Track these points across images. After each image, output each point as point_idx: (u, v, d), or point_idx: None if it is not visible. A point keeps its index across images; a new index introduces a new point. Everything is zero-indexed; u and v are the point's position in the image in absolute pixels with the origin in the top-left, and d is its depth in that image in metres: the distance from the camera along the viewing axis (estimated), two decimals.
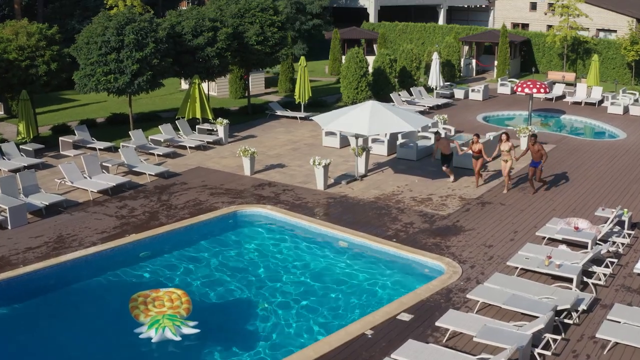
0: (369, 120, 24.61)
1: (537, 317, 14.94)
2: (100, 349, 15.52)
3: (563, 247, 19.21)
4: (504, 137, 24.89)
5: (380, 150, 30.36)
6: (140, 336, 14.80)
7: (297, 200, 24.20)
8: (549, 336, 14.42)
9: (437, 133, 27.20)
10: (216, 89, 44.93)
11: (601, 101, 42.99)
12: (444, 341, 14.91)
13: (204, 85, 35.85)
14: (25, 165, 26.64)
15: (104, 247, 19.89)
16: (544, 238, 20.33)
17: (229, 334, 16.12)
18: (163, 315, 15.18)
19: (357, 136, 26.60)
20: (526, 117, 38.00)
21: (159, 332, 14.67)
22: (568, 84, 47.86)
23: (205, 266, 19.53)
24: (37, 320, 16.76)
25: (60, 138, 29.99)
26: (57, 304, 17.68)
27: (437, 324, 15.04)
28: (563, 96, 44.80)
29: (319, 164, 25.25)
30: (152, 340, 14.58)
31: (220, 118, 33.04)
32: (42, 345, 15.64)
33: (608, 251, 18.99)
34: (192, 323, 15.11)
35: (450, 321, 14.99)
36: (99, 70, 29.48)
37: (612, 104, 40.70)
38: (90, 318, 16.83)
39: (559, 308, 15.33)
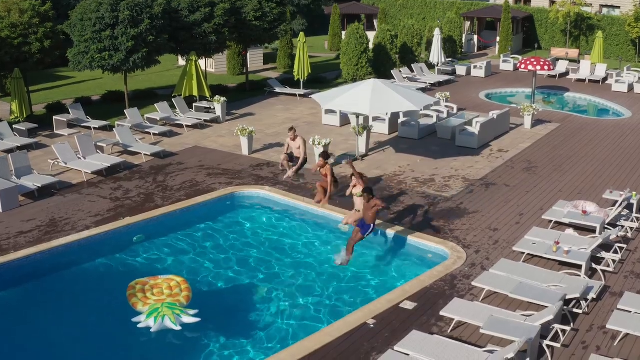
0: (370, 100, 23.97)
1: (545, 306, 14.42)
2: (95, 339, 14.99)
3: (570, 231, 18.67)
4: (354, 178, 19.04)
5: (381, 129, 29.75)
6: (139, 325, 14.28)
7: (297, 180, 23.60)
8: (557, 327, 13.90)
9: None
10: (214, 65, 44.26)
11: (605, 78, 42.31)
12: (448, 331, 14.40)
13: (202, 61, 35.16)
14: (18, 145, 26.02)
15: (98, 231, 19.30)
16: (550, 221, 19.78)
17: (229, 321, 15.57)
18: (162, 304, 14.65)
19: (357, 115, 25.98)
20: (528, 94, 37.40)
21: (158, 321, 14.14)
22: (571, 61, 47.21)
23: (203, 251, 18.93)
24: (29, 309, 16.18)
25: (54, 117, 29.33)
26: (49, 291, 17.06)
27: (441, 313, 14.51)
28: (566, 73, 44.10)
29: (319, 144, 24.65)
30: (151, 330, 14.06)
31: (217, 96, 32.35)
32: (33, 335, 15.08)
33: (617, 236, 18.42)
34: (192, 312, 14.59)
35: (455, 311, 14.46)
36: (93, 47, 28.79)
37: (616, 81, 40.02)
38: (84, 306, 16.24)
39: (568, 297, 14.79)
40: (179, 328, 14.22)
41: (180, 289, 15.41)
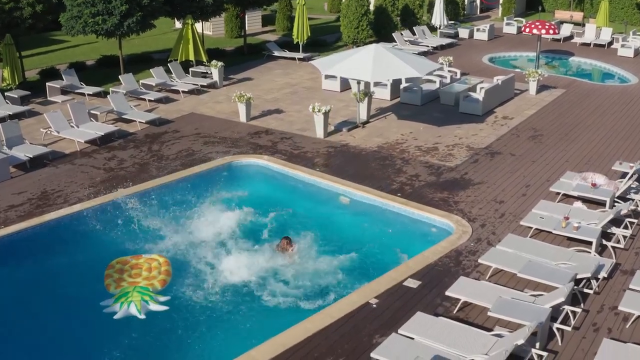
0: (372, 66, 23.27)
1: (554, 286, 13.86)
2: (86, 318, 14.37)
3: (578, 204, 18.05)
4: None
5: (382, 95, 29.02)
6: (105, 310, 13.75)
7: (296, 149, 22.99)
8: (568, 308, 13.35)
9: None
10: (211, 28, 43.35)
11: (610, 43, 41.37)
12: (454, 312, 13.85)
13: (198, 24, 34.31)
14: (10, 113, 25.29)
15: (91, 203, 18.67)
16: (558, 194, 19.14)
17: (221, 303, 14.85)
18: (134, 288, 14.18)
19: (358, 80, 25.26)
20: (532, 58, 36.69)
21: (124, 307, 13.68)
22: (576, 24, 46.21)
23: (198, 225, 18.13)
24: (19, 288, 15.59)
25: (47, 83, 28.52)
26: (38, 269, 16.37)
27: (447, 293, 13.94)
28: (571, 37, 43.16)
29: (319, 111, 23.96)
30: (115, 317, 13.53)
31: (214, 60, 31.56)
32: (18, 316, 14.52)
33: (627, 210, 17.76)
34: (163, 298, 14.05)
35: (461, 290, 13.91)
36: (86, 11, 27.90)
37: (622, 46, 39.06)
38: (71, 285, 15.53)
39: (578, 276, 14.22)
40: (143, 317, 13.68)
41: (159, 271, 14.91)
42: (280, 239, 17.07)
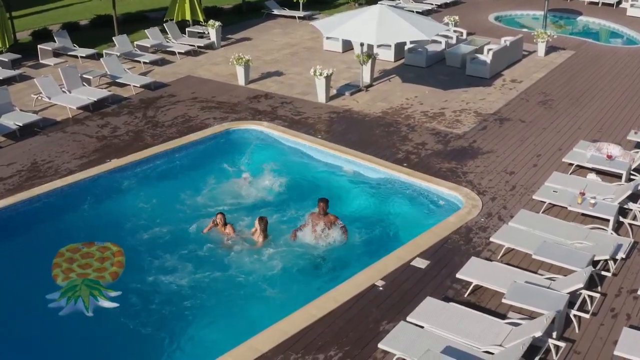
0: (376, 28, 22.33)
1: (571, 269, 13.08)
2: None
3: (592, 176, 17.21)
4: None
5: (386, 56, 28.04)
6: (50, 305, 12.99)
7: (297, 115, 22.13)
8: (585, 293, 12.62)
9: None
10: None
11: (619, 2, 40.08)
12: (465, 295, 13.11)
13: None
14: (1, 78, 24.33)
15: (83, 175, 17.80)
16: (571, 165, 18.28)
17: (218, 283, 14.17)
18: (82, 281, 13.41)
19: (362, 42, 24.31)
20: (537, 16, 35.60)
21: (70, 303, 12.92)
22: None
23: (193, 198, 17.30)
24: (9, 267, 14.79)
25: (39, 46, 27.49)
26: (25, 246, 15.62)
27: (458, 276, 13.18)
28: None
29: (320, 75, 23.03)
30: (60, 313, 12.79)
31: (212, 20, 30.51)
32: (11, 297, 13.78)
33: None
34: (113, 293, 13.30)
35: (472, 273, 13.16)
36: None
37: (631, 5, 37.76)
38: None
39: (596, 258, 13.46)
40: (90, 314, 12.92)
41: (111, 262, 14.19)
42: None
